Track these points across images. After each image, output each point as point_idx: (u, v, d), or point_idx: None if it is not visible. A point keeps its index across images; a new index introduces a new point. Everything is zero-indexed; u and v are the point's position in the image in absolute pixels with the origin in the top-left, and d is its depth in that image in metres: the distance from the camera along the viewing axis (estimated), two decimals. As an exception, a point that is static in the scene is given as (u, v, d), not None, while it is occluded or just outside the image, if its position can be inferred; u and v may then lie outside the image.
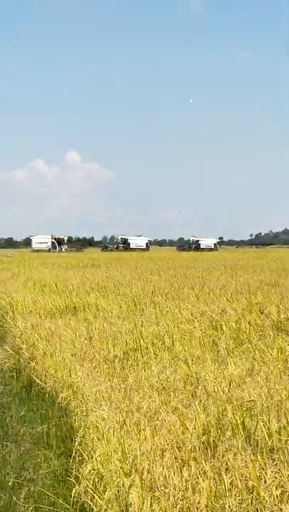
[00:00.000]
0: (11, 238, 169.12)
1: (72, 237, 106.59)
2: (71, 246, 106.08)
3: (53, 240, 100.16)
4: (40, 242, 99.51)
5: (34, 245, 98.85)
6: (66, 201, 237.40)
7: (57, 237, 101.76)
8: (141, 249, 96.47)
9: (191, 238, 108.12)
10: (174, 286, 18.73)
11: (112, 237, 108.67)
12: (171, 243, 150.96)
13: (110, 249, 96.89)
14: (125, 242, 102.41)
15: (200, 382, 7.14)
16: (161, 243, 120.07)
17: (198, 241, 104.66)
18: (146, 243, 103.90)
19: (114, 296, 16.68)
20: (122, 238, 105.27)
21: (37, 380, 8.73)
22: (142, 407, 6.22)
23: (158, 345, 9.60)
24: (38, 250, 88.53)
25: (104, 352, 9.22)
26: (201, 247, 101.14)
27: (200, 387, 6.88)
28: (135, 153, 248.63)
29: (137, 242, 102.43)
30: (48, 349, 9.76)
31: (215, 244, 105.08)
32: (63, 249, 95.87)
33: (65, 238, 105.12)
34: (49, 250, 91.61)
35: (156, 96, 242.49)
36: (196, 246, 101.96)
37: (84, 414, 6.43)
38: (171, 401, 6.42)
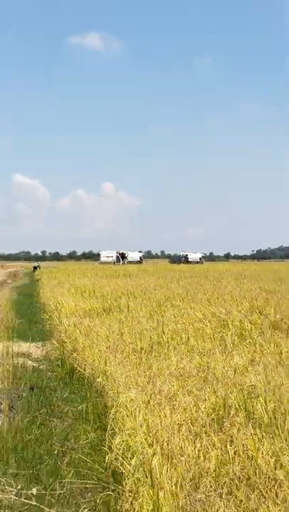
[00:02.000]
0: (57, 253, 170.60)
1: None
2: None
3: (118, 255, 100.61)
4: (107, 256, 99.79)
5: (102, 258, 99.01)
6: (101, 223, 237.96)
7: (120, 252, 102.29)
8: (136, 261, 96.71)
9: (181, 253, 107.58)
10: (190, 292, 18.68)
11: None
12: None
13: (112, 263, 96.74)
14: (123, 256, 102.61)
15: (210, 370, 7.13)
16: (173, 258, 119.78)
17: (186, 255, 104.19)
18: (140, 257, 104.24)
19: (141, 300, 16.70)
20: (121, 253, 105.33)
21: (78, 367, 8.78)
22: (163, 390, 6.21)
23: (176, 340, 9.60)
24: (105, 263, 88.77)
25: (133, 345, 9.23)
26: (189, 260, 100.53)
27: (210, 374, 6.87)
28: (155, 182, 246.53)
29: (132, 255, 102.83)
30: (86, 343, 9.80)
31: (200, 258, 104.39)
32: (125, 262, 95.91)
33: (127, 254, 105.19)
34: (114, 263, 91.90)
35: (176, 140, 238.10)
36: (185, 259, 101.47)
37: (115, 395, 6.44)
38: (187, 385, 6.42)
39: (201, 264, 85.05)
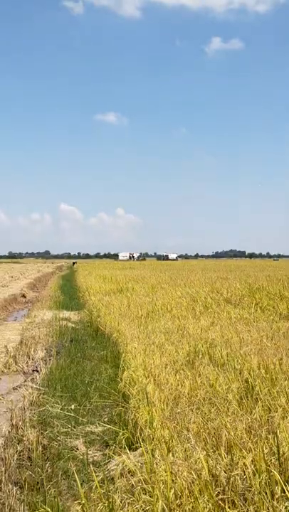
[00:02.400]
0: (87, 254, 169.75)
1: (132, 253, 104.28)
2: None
3: (130, 254, 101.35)
4: (123, 256, 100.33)
5: (120, 257, 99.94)
6: (116, 234, 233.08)
7: (132, 253, 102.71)
8: (140, 259, 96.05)
9: (164, 253, 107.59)
10: (172, 279, 18.62)
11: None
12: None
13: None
14: (132, 256, 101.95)
15: (185, 329, 7.08)
16: (158, 257, 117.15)
17: (167, 255, 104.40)
18: (139, 256, 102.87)
19: (141, 284, 16.65)
20: (131, 254, 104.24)
21: (100, 327, 8.72)
22: (155, 342, 6.17)
23: (164, 310, 9.54)
24: (122, 260, 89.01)
25: (136, 313, 9.18)
26: (169, 258, 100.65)
27: (185, 332, 6.82)
28: (148, 207, 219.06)
29: (137, 255, 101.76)
30: (106, 311, 9.72)
31: (176, 257, 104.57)
32: (135, 259, 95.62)
33: (135, 254, 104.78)
34: (127, 260, 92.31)
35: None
36: (166, 258, 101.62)
37: (125, 345, 6.40)
38: (170, 339, 6.38)
39: (177, 261, 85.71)
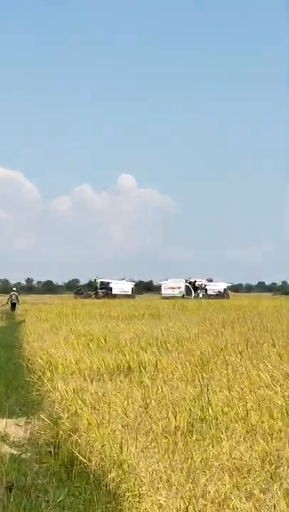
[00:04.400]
0: (50, 281, 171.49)
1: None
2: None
3: (187, 284, 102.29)
4: (172, 288, 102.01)
5: (164, 291, 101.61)
6: (118, 235, 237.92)
7: (193, 280, 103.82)
8: (125, 295, 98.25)
9: (189, 279, 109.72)
10: (251, 342, 18.60)
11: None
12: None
13: (86, 296, 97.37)
14: (106, 287, 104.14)
15: (282, 461, 7.08)
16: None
17: (193, 281, 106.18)
18: (132, 288, 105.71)
19: (176, 353, 16.65)
20: (101, 282, 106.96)
21: (80, 456, 8.76)
22: (209, 492, 6.21)
23: (230, 414, 9.55)
24: (169, 297, 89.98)
25: (164, 423, 9.21)
26: (197, 288, 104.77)
27: (282, 468, 6.84)
28: (203, 176, 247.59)
29: (121, 287, 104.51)
30: (93, 419, 9.76)
31: (226, 289, 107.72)
32: (200, 295, 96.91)
33: (203, 282, 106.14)
34: (183, 296, 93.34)
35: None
36: (190, 289, 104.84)
37: (137, 499, 6.46)
38: (246, 484, 6.40)
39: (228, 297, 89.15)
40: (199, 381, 12.15)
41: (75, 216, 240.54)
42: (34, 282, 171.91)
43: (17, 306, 59.71)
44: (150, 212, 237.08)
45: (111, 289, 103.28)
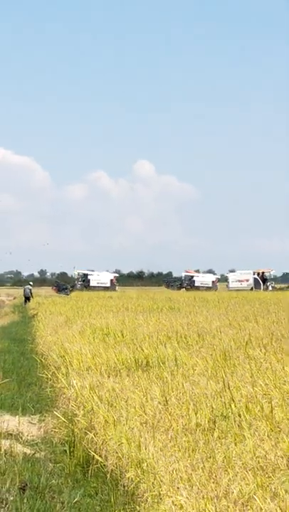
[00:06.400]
0: (64, 273, 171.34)
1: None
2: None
3: (256, 277, 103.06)
4: (240, 280, 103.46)
5: (231, 284, 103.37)
6: (136, 225, 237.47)
7: (261, 271, 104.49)
8: (103, 287, 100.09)
9: (184, 273, 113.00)
10: (276, 336, 18.54)
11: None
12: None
13: (64, 289, 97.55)
14: (84, 279, 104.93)
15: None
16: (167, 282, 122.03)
17: (191, 276, 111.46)
18: (112, 280, 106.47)
19: (197, 347, 16.64)
20: (79, 274, 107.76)
21: (96, 455, 8.80)
22: (232, 492, 6.20)
23: (253, 411, 9.53)
24: (237, 290, 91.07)
25: (184, 420, 9.21)
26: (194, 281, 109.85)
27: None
28: (224, 162, 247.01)
29: (98, 278, 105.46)
30: (110, 416, 9.77)
31: (214, 281, 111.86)
32: (270, 287, 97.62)
33: (271, 273, 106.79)
34: (251, 289, 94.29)
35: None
36: (185, 282, 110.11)
37: (156, 500, 6.45)
38: (270, 484, 6.39)
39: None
40: (221, 376, 12.14)
41: (90, 205, 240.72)
42: (48, 274, 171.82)
43: (31, 300, 59.55)
44: (169, 200, 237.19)
45: (89, 280, 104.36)
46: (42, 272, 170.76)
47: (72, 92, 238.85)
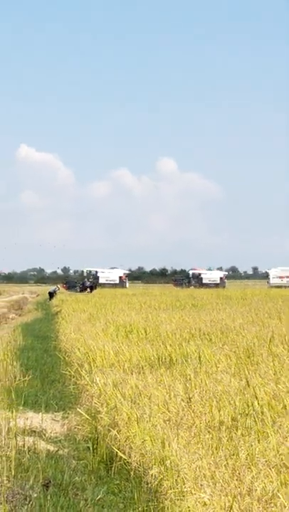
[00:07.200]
0: (89, 271, 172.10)
1: None
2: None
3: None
4: (281, 277, 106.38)
5: (272, 280, 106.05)
6: (159, 223, 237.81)
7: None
8: (112, 284, 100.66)
9: (191, 270, 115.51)
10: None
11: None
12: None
13: (74, 286, 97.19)
14: (94, 276, 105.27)
15: None
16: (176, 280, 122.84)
17: (199, 273, 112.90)
18: (120, 277, 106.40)
19: (220, 344, 16.62)
20: (89, 272, 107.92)
21: (119, 453, 8.81)
22: (256, 489, 6.19)
23: (277, 408, 9.51)
24: (278, 286, 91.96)
25: (207, 417, 9.21)
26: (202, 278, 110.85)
27: None
28: (248, 159, 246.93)
29: (107, 276, 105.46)
30: (133, 413, 9.78)
31: (222, 277, 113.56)
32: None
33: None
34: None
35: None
36: (192, 279, 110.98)
37: (179, 497, 6.45)
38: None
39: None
40: (245, 374, 12.12)
41: (113, 202, 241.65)
42: (70, 271, 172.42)
43: (54, 297, 61.04)
44: (192, 198, 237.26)
45: (98, 278, 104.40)
46: (65, 270, 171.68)
47: (95, 90, 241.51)
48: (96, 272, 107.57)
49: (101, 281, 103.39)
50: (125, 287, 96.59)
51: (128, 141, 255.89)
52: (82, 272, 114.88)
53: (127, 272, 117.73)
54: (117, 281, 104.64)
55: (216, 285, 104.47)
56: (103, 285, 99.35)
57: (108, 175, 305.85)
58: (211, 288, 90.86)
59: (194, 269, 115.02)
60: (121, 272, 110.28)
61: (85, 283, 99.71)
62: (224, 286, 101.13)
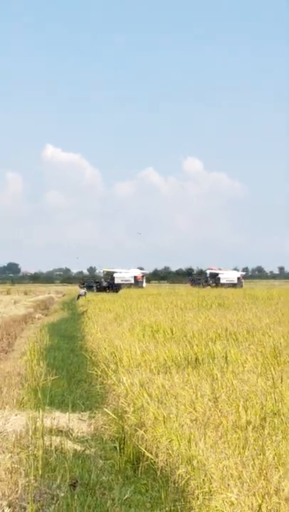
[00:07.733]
0: (107, 272, 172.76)
1: None
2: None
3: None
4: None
5: None
6: (185, 222, 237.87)
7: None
8: (128, 284, 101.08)
9: (208, 269, 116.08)
10: None
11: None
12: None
13: (90, 286, 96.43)
14: (111, 276, 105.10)
15: None
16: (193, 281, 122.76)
17: (216, 273, 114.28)
18: (135, 277, 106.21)
19: (247, 344, 16.59)
20: (106, 272, 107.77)
21: (146, 452, 8.81)
22: (283, 489, 6.17)
23: (304, 409, 9.48)
24: None
25: (234, 417, 9.19)
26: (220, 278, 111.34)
27: None
28: (274, 159, 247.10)
29: (122, 276, 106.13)
30: (160, 413, 9.78)
31: (239, 278, 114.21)
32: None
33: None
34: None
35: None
36: (210, 279, 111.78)
37: (207, 497, 6.44)
38: None
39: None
40: (271, 373, 12.09)
41: (139, 202, 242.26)
42: (97, 271, 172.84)
43: (81, 297, 61.98)
44: (218, 198, 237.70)
45: (114, 278, 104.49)
46: (91, 270, 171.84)
47: (121, 90, 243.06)
48: (113, 272, 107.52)
49: (116, 281, 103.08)
50: (142, 287, 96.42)
51: (154, 140, 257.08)
52: (99, 272, 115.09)
53: (145, 272, 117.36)
54: (132, 281, 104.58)
55: (234, 285, 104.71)
56: (118, 285, 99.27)
57: (134, 175, 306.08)
58: (228, 288, 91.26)
59: (211, 269, 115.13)
60: (137, 272, 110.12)
61: (101, 283, 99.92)
62: (241, 286, 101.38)
